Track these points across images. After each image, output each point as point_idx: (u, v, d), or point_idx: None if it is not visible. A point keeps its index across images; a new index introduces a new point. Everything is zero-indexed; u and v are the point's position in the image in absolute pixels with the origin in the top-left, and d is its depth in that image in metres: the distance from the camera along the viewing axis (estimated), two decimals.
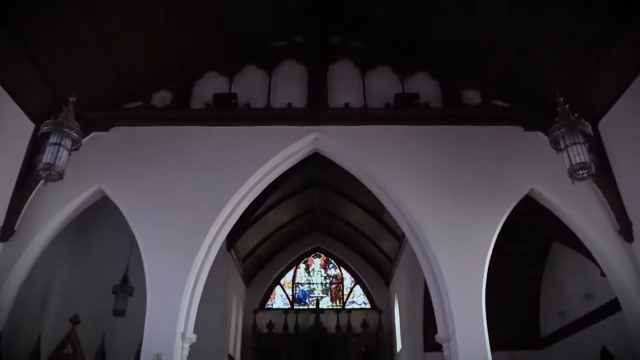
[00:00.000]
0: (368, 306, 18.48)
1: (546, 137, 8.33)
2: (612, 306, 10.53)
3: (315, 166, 12.60)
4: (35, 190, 9.27)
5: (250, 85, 10.46)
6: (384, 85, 10.39)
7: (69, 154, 7.18)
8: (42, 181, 8.50)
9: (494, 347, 8.71)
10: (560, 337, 13.36)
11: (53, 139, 6.97)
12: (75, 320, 9.30)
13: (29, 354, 8.89)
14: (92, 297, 12.17)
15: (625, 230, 8.85)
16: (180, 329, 8.64)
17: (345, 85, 10.42)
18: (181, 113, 10.14)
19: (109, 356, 8.97)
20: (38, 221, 9.23)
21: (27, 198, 9.23)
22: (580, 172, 7.05)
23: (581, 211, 9.21)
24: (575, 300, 12.46)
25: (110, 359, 8.96)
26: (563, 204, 9.30)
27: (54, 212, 9.33)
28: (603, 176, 9.07)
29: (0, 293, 8.72)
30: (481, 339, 8.56)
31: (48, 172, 6.89)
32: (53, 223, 9.32)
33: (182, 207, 9.32)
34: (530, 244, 13.49)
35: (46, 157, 6.89)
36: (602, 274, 9.72)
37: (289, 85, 10.42)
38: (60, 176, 7.01)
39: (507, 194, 9.43)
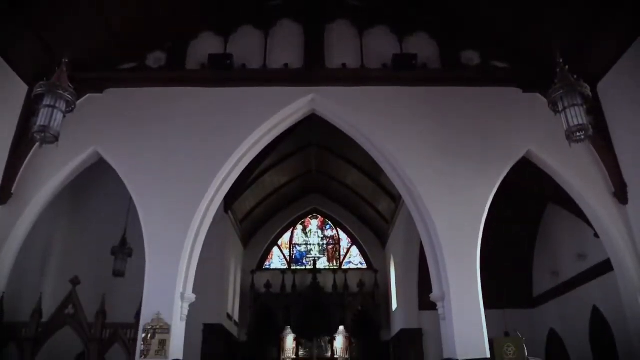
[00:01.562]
0: (364, 266, 18.74)
1: (544, 99, 8.29)
2: (604, 267, 10.71)
3: (312, 128, 12.56)
4: (31, 153, 9.24)
5: (246, 46, 10.30)
6: (381, 45, 10.24)
7: (64, 116, 7.13)
8: (37, 144, 8.47)
9: (487, 306, 8.91)
10: (552, 296, 13.64)
11: (47, 100, 6.90)
12: (75, 281, 9.40)
13: (31, 315, 9.03)
14: (91, 259, 12.29)
15: (619, 193, 8.93)
16: (179, 289, 8.78)
17: (342, 45, 10.27)
18: (176, 74, 10.02)
19: (109, 316, 9.11)
20: (35, 184, 9.24)
21: (23, 161, 9.21)
22: (578, 134, 7.06)
23: (577, 173, 9.27)
24: (568, 261, 12.67)
25: (111, 319, 9.10)
26: (559, 166, 9.35)
27: (50, 174, 9.32)
28: (600, 138, 9.08)
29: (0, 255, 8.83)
30: (475, 298, 8.74)
31: (43, 135, 6.86)
32: (50, 186, 9.33)
33: (179, 169, 9.33)
34: (525, 205, 13.61)
35: (41, 120, 6.84)
36: (596, 235, 9.86)
37: (286, 46, 10.27)
38: (56, 138, 6.98)
39: (504, 156, 9.45)
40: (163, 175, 9.29)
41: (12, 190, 9.03)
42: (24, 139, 9.04)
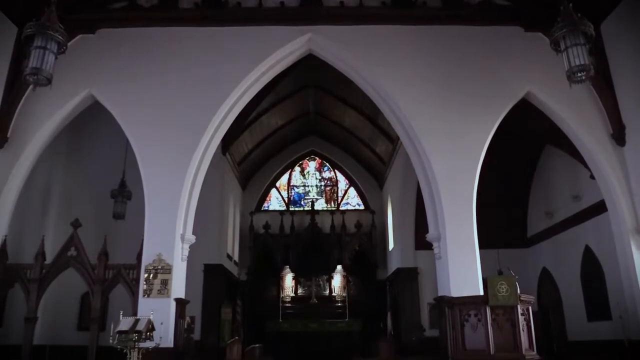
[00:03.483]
0: (362, 207, 18.94)
1: (546, 38, 8.14)
2: (598, 208, 10.86)
3: (309, 68, 12.34)
4: (24, 97, 9.13)
5: None
6: None
7: (56, 58, 6.99)
8: (30, 87, 8.34)
9: (482, 246, 9.10)
10: (546, 236, 13.89)
11: (38, 42, 6.75)
12: (76, 224, 9.51)
13: (35, 257, 9.19)
14: (91, 202, 12.41)
15: (617, 134, 8.93)
16: (179, 230, 8.92)
17: None
18: (169, 13, 9.73)
19: (111, 257, 9.29)
20: (31, 128, 9.18)
21: (17, 105, 9.10)
22: (579, 74, 6.96)
23: (576, 114, 9.23)
24: (563, 202, 12.81)
25: (112, 260, 9.28)
26: (558, 107, 9.29)
27: (46, 118, 9.25)
28: (601, 79, 8.97)
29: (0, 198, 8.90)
30: (470, 238, 8.92)
31: (36, 77, 6.75)
32: (46, 129, 9.27)
33: (175, 110, 9.25)
34: (522, 146, 13.61)
35: (32, 62, 6.72)
36: (592, 176, 9.93)
37: None
38: (49, 81, 6.87)
39: (504, 96, 9.37)
40: (159, 117, 9.23)
41: (8, 135, 8.98)
42: (17, 83, 8.89)
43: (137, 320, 6.93)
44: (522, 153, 14.05)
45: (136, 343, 6.68)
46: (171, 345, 8.32)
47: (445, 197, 9.05)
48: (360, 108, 15.23)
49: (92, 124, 12.65)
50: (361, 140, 17.38)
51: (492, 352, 7.04)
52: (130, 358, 6.68)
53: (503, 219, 14.67)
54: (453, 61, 9.49)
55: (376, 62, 9.52)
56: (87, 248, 9.37)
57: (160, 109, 9.25)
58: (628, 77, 8.78)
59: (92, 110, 9.91)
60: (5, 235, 9.17)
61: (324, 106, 16.84)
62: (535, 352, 7.31)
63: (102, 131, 12.61)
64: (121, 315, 7.12)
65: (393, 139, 14.84)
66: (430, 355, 8.84)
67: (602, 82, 8.99)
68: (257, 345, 11.84)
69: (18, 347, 9.03)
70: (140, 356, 6.75)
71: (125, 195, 11.44)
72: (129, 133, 9.23)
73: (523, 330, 7.18)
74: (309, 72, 13.49)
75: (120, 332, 6.74)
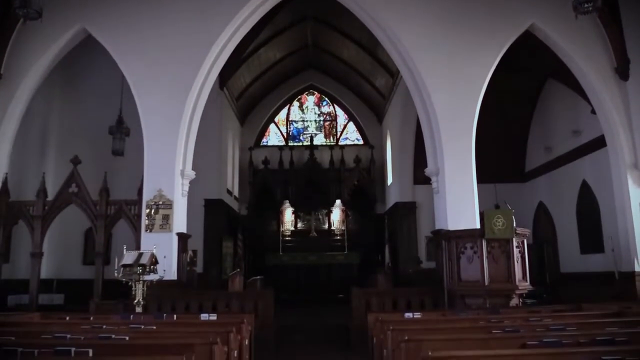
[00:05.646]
0: (361, 142, 18.89)
1: None
2: (597, 143, 10.85)
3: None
4: (15, 31, 8.88)
5: None
6: None
7: None
8: (21, 21, 8.10)
9: (479, 180, 9.18)
10: (544, 171, 13.96)
11: None
12: (75, 161, 9.54)
13: (37, 194, 9.28)
14: (90, 139, 12.35)
15: (621, 69, 8.79)
16: (178, 166, 8.96)
17: None
18: None
19: (112, 194, 9.38)
20: (24, 64, 9.02)
21: (8, 40, 8.87)
22: (586, 5, 6.74)
23: (580, 48, 9.05)
24: (563, 137, 12.78)
25: (113, 197, 9.37)
26: (562, 40, 9.09)
27: (39, 53, 9.07)
28: (607, 12, 8.71)
29: None
30: (468, 173, 8.98)
31: (25, 11, 6.54)
32: (40, 65, 9.11)
33: (170, 44, 9.05)
34: (524, 80, 13.41)
35: None
36: (593, 111, 9.86)
37: None
38: (39, 14, 6.66)
39: (507, 28, 9.15)
40: (155, 52, 9.04)
41: (1, 72, 8.83)
42: (7, 17, 8.63)
43: (140, 254, 7.09)
44: (524, 87, 13.86)
45: (141, 276, 6.86)
46: (175, 277, 8.58)
47: (445, 132, 9.03)
48: (359, 40, 14.88)
49: (86, 60, 12.40)
50: (361, 74, 17.10)
51: (486, 282, 7.28)
52: (135, 290, 6.89)
53: (502, 153, 14.67)
54: None
55: None
56: (88, 185, 9.45)
57: (156, 42, 9.05)
58: (636, 11, 8.54)
59: (87, 46, 9.69)
60: (6, 173, 9.21)
61: (323, 39, 16.44)
62: (528, 283, 7.55)
63: (97, 67, 12.36)
64: (124, 250, 7.27)
65: (393, 73, 14.60)
66: (427, 286, 9.11)
67: (608, 14, 8.75)
68: (258, 277, 12.17)
69: (26, 281, 9.30)
70: (145, 288, 6.95)
71: (123, 131, 11.38)
72: (125, 69, 9.07)
73: (517, 262, 7.38)
74: (307, 2, 13.07)
75: (125, 266, 6.91)
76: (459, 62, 9.08)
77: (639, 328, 4.57)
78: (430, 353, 3.26)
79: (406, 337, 3.98)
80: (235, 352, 4.99)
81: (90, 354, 3.72)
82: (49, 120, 12.88)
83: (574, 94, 11.10)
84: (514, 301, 7.31)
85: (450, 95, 9.04)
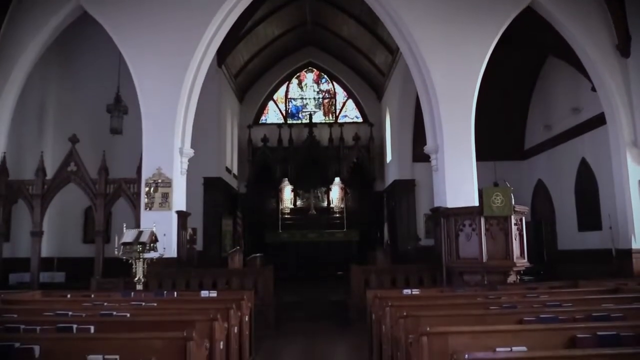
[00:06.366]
0: (360, 120, 18.81)
1: None
2: (597, 120, 10.83)
3: None
4: (10, 9, 8.76)
5: None
6: None
7: None
8: None
9: (479, 158, 9.18)
10: (543, 149, 13.94)
11: None
12: (74, 140, 9.51)
13: (35, 172, 9.27)
14: (87, 117, 12.29)
15: (623, 45, 8.72)
16: (177, 144, 8.94)
17: None
18: None
19: (110, 172, 9.37)
20: (20, 42, 8.93)
21: (4, 17, 8.76)
22: None
23: (582, 24, 8.96)
24: (562, 114, 12.73)
25: (112, 175, 9.36)
26: (563, 17, 9.00)
27: (35, 31, 8.97)
28: None
29: None
30: (468, 150, 8.98)
31: None
32: (36, 42, 9.02)
33: (167, 20, 8.95)
34: (524, 57, 13.30)
35: None
36: (593, 88, 9.81)
37: None
38: None
39: (508, 4, 9.04)
40: (152, 29, 8.94)
41: None
42: None
43: (140, 233, 7.11)
44: (524, 64, 13.76)
45: (141, 254, 6.90)
46: (175, 255, 8.62)
47: (444, 109, 8.99)
48: (359, 17, 14.71)
49: (83, 38, 12.27)
50: (360, 50, 16.94)
51: (484, 259, 7.34)
52: (135, 268, 6.94)
53: (501, 131, 14.63)
54: None
55: None
56: (86, 163, 9.44)
57: (152, 20, 8.95)
58: None
59: (83, 24, 9.57)
60: (4, 152, 9.19)
61: (322, 15, 16.25)
62: (525, 260, 7.61)
63: (94, 45, 12.22)
64: (124, 228, 7.30)
65: (392, 50, 14.47)
66: (425, 263, 9.18)
67: None
68: (257, 254, 12.25)
69: (27, 259, 9.36)
70: (145, 266, 7.00)
71: (121, 109, 11.31)
72: (122, 46, 8.99)
73: (515, 240, 7.43)
74: None
75: (125, 244, 6.94)
76: (459, 39, 9.00)
77: (634, 304, 4.61)
78: (428, 329, 3.30)
79: (405, 313, 4.02)
80: (236, 328, 5.05)
81: (92, 331, 3.76)
82: (46, 99, 12.80)
83: (575, 72, 11.03)
84: (512, 278, 7.38)
85: (450, 72, 8.97)
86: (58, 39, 9.53)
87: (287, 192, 17.75)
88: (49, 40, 9.22)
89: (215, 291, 6.35)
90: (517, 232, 7.53)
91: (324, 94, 19.47)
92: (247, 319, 5.71)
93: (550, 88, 13.57)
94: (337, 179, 17.60)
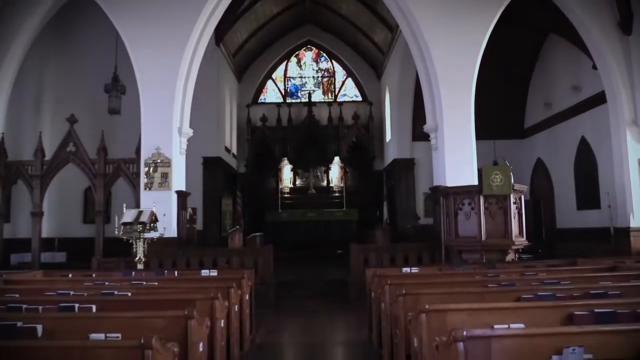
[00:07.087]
0: (359, 99, 18.72)
1: None
2: (597, 99, 10.78)
3: None
4: None
5: None
6: None
7: None
8: None
9: (478, 137, 9.16)
10: (543, 127, 13.90)
11: None
12: (72, 120, 9.47)
13: (34, 153, 9.26)
14: (85, 98, 12.18)
15: (624, 23, 8.62)
16: (176, 124, 8.91)
17: None
18: None
19: (109, 153, 9.35)
20: (15, 21, 8.83)
21: None
22: None
23: (583, 1, 8.85)
24: (563, 93, 12.67)
25: (111, 155, 9.35)
26: None
27: (31, 9, 8.86)
28: None
29: None
30: (467, 129, 8.95)
31: None
32: (32, 22, 8.94)
33: None
34: (525, 35, 13.18)
35: None
36: (594, 66, 9.74)
37: None
38: None
39: None
40: (148, 7, 8.85)
41: None
42: None
43: (140, 212, 7.13)
44: (524, 42, 13.64)
45: (141, 233, 6.92)
46: (175, 235, 8.66)
47: (444, 87, 8.94)
48: None
49: (81, 17, 12.13)
50: (359, 28, 16.77)
51: (483, 238, 7.37)
52: (136, 247, 6.96)
53: (501, 109, 14.56)
54: None
55: None
56: (85, 144, 9.42)
57: None
58: None
59: (81, 3, 9.46)
60: (3, 133, 9.16)
61: None
62: (524, 239, 7.65)
63: (92, 24, 12.08)
64: (124, 208, 7.31)
65: (392, 28, 14.33)
66: (425, 242, 9.22)
67: None
68: (257, 234, 12.30)
69: (28, 240, 9.39)
70: (146, 245, 7.03)
71: (119, 89, 11.22)
72: (118, 25, 8.89)
73: (514, 218, 7.46)
74: None
75: (125, 224, 6.95)
76: (460, 17, 8.90)
77: (631, 282, 4.65)
78: (427, 306, 3.33)
79: (404, 291, 4.05)
80: (236, 306, 5.09)
81: (94, 310, 3.79)
82: (43, 79, 12.71)
83: (575, 49, 10.94)
84: (510, 256, 7.42)
85: (450, 51, 8.90)
86: (55, 19, 9.44)
87: (287, 172, 17.75)
88: (44, 19, 9.12)
89: (216, 270, 6.39)
90: (516, 211, 7.55)
91: (323, 72, 19.35)
92: (247, 297, 5.75)
93: (550, 66, 13.48)
94: (336, 158, 17.59)
